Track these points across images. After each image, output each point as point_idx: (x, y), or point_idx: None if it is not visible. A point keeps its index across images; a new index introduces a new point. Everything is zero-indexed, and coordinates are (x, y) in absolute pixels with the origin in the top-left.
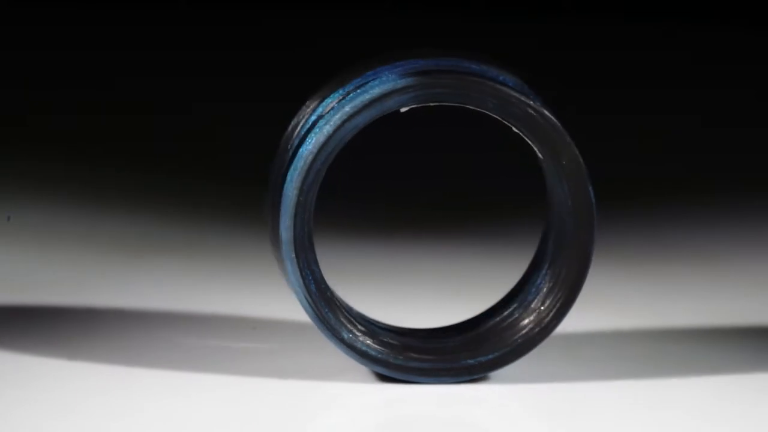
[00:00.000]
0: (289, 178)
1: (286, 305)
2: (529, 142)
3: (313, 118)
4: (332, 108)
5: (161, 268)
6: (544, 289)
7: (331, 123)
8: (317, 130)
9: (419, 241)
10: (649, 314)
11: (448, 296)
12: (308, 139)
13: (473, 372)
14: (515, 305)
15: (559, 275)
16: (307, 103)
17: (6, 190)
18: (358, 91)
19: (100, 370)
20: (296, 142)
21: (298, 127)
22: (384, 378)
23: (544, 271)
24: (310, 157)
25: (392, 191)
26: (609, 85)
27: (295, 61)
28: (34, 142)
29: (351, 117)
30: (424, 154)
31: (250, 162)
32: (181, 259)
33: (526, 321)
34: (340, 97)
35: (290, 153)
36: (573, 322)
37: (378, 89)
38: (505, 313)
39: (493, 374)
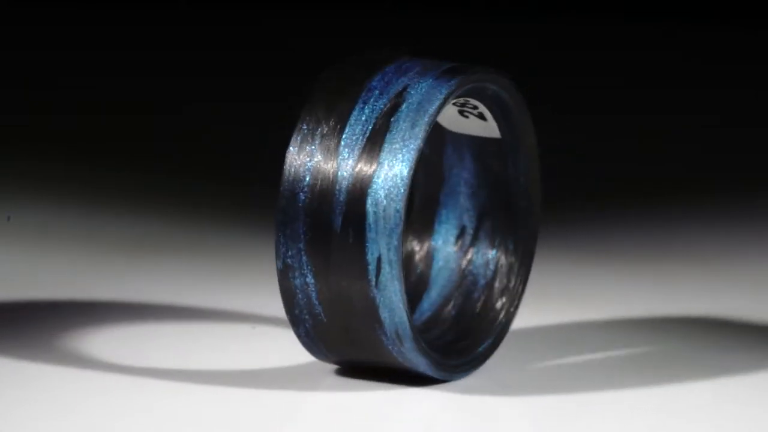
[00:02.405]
0: (382, 232)
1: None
2: (496, 122)
3: (353, 145)
4: (386, 132)
5: (161, 268)
6: (503, 269)
7: (410, 152)
8: (391, 163)
9: None
10: (649, 314)
11: None
12: (379, 181)
13: (480, 361)
14: (479, 290)
15: (516, 253)
16: (303, 129)
17: (6, 190)
18: (407, 110)
19: (100, 370)
20: (347, 182)
21: (337, 162)
22: (384, 379)
23: (493, 252)
24: (402, 200)
25: None
26: (609, 85)
27: (295, 61)
28: (34, 142)
29: (423, 137)
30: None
31: (250, 162)
32: (181, 258)
33: (500, 303)
34: (381, 118)
35: (344, 194)
36: (573, 321)
37: (435, 102)
38: (475, 297)
39: (489, 373)
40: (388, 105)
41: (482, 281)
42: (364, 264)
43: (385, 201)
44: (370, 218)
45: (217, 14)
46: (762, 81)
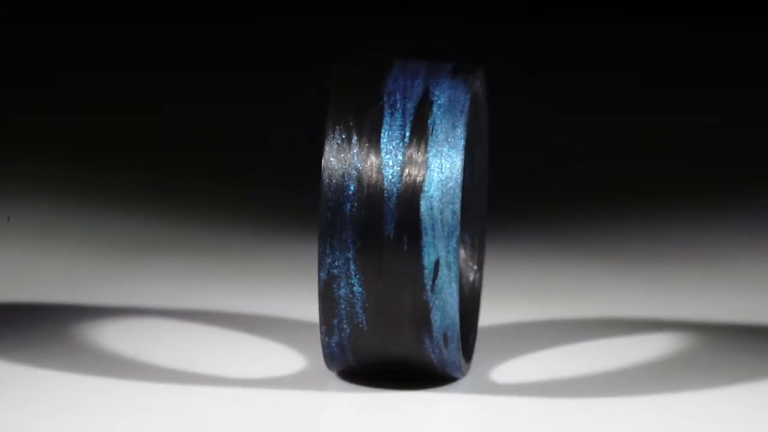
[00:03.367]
0: (440, 235)
1: (286, 305)
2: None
3: (387, 151)
4: (427, 140)
5: (161, 268)
6: (461, 263)
7: (458, 153)
8: (441, 166)
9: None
10: (648, 314)
11: None
12: (431, 185)
13: (470, 354)
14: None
15: (473, 246)
16: (333, 140)
17: (6, 190)
18: (440, 111)
19: (100, 371)
20: (396, 188)
21: (379, 172)
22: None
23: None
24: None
25: None
26: (609, 85)
27: (295, 61)
28: (34, 142)
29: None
30: None
31: (250, 162)
32: (181, 259)
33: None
34: (417, 121)
35: (394, 201)
36: (572, 321)
37: (464, 101)
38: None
39: (490, 374)
40: (418, 108)
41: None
42: (420, 268)
43: (440, 204)
44: (426, 222)
45: (217, 14)
46: (762, 81)
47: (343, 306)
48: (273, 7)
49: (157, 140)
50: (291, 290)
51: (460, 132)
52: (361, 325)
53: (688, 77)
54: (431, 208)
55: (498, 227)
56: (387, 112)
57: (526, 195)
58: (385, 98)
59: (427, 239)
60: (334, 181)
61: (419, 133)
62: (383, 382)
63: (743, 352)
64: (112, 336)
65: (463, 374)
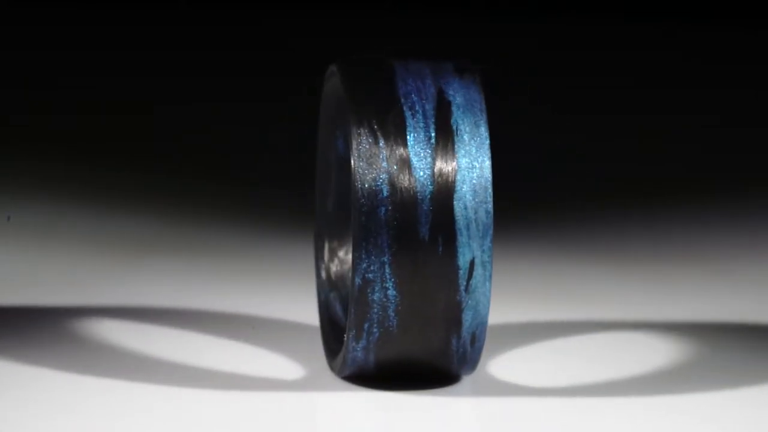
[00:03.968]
0: (475, 235)
1: (286, 305)
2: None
3: (418, 154)
4: (454, 138)
5: (161, 268)
6: None
7: (485, 152)
8: (471, 166)
9: None
10: (649, 314)
11: None
12: (463, 185)
13: None
14: None
15: None
16: (359, 142)
17: (6, 190)
18: (459, 111)
19: (99, 371)
20: (429, 189)
21: (416, 173)
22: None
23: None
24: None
25: None
26: (609, 85)
27: (295, 60)
28: (34, 142)
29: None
30: None
31: (250, 162)
32: (181, 258)
33: None
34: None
35: (428, 202)
36: (572, 321)
37: (479, 99)
38: None
39: (490, 374)
40: (438, 108)
41: None
42: (455, 269)
43: (474, 204)
44: (460, 223)
45: (217, 14)
46: (762, 81)
47: (375, 310)
48: (273, 8)
49: (157, 140)
50: (291, 290)
51: (484, 130)
52: (391, 329)
53: (688, 77)
54: (465, 208)
55: (498, 227)
56: (408, 114)
57: (526, 195)
58: (402, 100)
59: (462, 239)
60: (366, 185)
61: (444, 134)
62: (384, 382)
63: (743, 352)
64: (111, 336)
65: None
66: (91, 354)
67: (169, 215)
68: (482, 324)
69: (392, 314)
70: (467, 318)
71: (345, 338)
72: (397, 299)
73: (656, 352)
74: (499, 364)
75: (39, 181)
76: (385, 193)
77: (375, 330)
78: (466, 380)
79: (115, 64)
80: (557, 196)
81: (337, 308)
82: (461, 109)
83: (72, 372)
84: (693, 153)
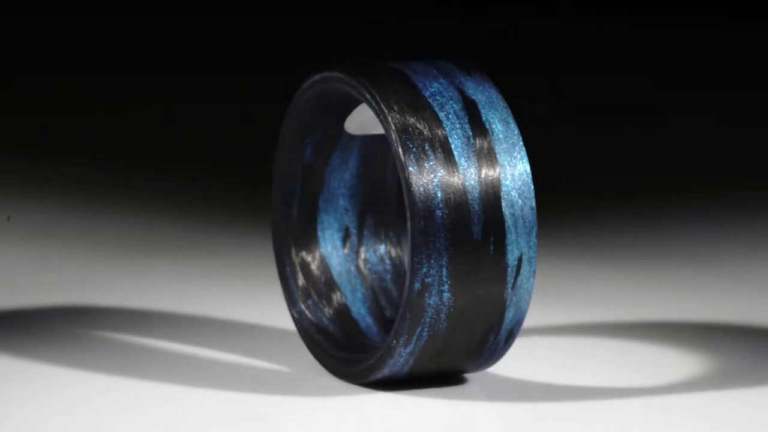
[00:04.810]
0: (522, 232)
1: (285, 305)
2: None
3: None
4: (486, 130)
5: (161, 268)
6: (397, 260)
7: (521, 148)
8: (512, 163)
9: None
10: (649, 314)
11: None
12: (507, 183)
13: None
14: (391, 285)
15: (401, 243)
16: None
17: (6, 190)
18: (486, 110)
19: (99, 371)
20: (477, 190)
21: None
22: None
23: (383, 246)
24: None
25: None
26: (609, 85)
27: (295, 60)
28: (34, 143)
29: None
30: None
31: (249, 162)
32: (181, 259)
33: None
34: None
35: (478, 203)
36: (572, 321)
37: (500, 96)
38: (395, 293)
39: (491, 374)
40: (465, 108)
41: (387, 276)
42: (504, 267)
43: (519, 201)
44: (509, 221)
45: (217, 14)
46: (762, 81)
47: (429, 314)
48: (272, 9)
49: (156, 140)
50: None
51: (514, 126)
52: (439, 332)
53: (687, 77)
54: (512, 206)
55: None
56: (441, 115)
57: None
58: (431, 102)
59: (510, 237)
60: (422, 190)
61: (480, 133)
62: (385, 384)
63: (743, 353)
64: (111, 335)
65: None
66: (90, 354)
67: (168, 215)
68: (521, 321)
69: (443, 317)
70: (509, 315)
71: (392, 344)
72: (450, 302)
73: (654, 352)
74: (499, 365)
75: (39, 181)
76: (440, 197)
77: (425, 334)
78: (466, 381)
79: (115, 64)
80: (557, 196)
81: (321, 316)
82: (486, 107)
83: (71, 372)
84: (693, 153)
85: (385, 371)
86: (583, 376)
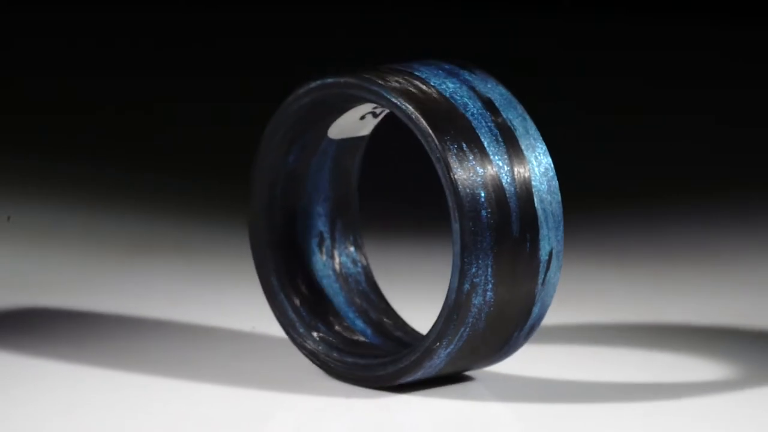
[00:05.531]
0: (552, 227)
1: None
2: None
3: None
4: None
5: (160, 268)
6: (364, 261)
7: (542, 143)
8: (537, 160)
9: (422, 242)
10: (649, 314)
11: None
12: (536, 179)
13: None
14: (370, 288)
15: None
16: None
17: (6, 190)
18: (503, 107)
19: (98, 370)
20: (513, 187)
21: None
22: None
23: (353, 249)
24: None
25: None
26: (609, 85)
27: (295, 60)
28: (34, 142)
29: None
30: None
31: (249, 162)
32: (180, 259)
33: None
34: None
35: (514, 200)
36: (572, 321)
37: (510, 93)
38: (375, 295)
39: (493, 375)
40: (486, 106)
41: (361, 278)
42: (537, 263)
43: (548, 196)
44: (541, 217)
45: (216, 14)
46: (762, 81)
47: (473, 314)
48: (272, 9)
49: (156, 140)
50: None
51: (531, 122)
52: (478, 331)
53: (687, 77)
54: (542, 201)
55: None
56: (468, 114)
57: None
58: (453, 101)
59: (543, 232)
60: (468, 191)
61: (505, 131)
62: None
63: (744, 353)
64: (110, 335)
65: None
66: (90, 354)
67: (167, 215)
68: (543, 316)
69: (483, 317)
70: (535, 310)
71: (434, 345)
72: (491, 301)
73: (654, 353)
74: (500, 365)
75: (39, 181)
76: (483, 196)
77: (466, 334)
78: (466, 382)
79: (115, 64)
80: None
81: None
82: (503, 105)
83: (71, 372)
84: (693, 153)
85: (418, 374)
86: (582, 375)
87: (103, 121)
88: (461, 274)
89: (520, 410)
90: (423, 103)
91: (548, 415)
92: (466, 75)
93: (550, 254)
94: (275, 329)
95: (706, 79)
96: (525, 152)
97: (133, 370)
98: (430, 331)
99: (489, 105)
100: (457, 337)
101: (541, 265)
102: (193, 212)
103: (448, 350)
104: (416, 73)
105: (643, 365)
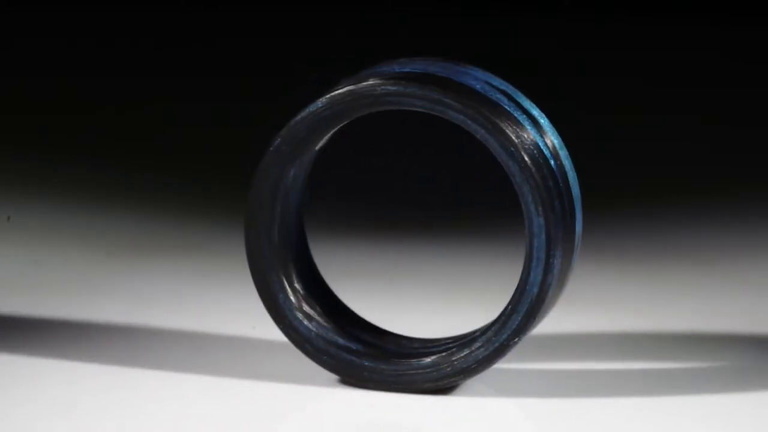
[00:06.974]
0: (577, 202)
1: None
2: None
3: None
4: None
5: (161, 268)
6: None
7: (556, 134)
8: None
9: (421, 241)
10: (649, 315)
11: (447, 300)
12: (566, 162)
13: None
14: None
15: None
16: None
17: (6, 190)
18: (516, 96)
19: (98, 370)
20: (555, 165)
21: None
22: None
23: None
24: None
25: (391, 191)
26: (609, 85)
27: (294, 60)
28: (34, 143)
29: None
30: (424, 154)
31: (249, 162)
32: (181, 258)
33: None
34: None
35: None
36: (572, 322)
37: (513, 86)
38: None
39: (493, 375)
40: (506, 97)
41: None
42: (574, 238)
43: (573, 176)
44: (576, 201)
45: (215, 13)
46: (762, 81)
47: (548, 296)
48: (271, 9)
49: (156, 140)
50: None
51: (538, 112)
52: (537, 322)
53: (687, 77)
54: (574, 185)
55: (498, 228)
56: (503, 103)
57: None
58: (483, 92)
59: (578, 216)
60: (548, 182)
61: (532, 121)
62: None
63: (744, 353)
64: (110, 335)
65: None
66: (90, 354)
67: (168, 215)
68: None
69: (548, 299)
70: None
71: (510, 342)
72: (551, 290)
73: (654, 353)
74: (499, 365)
75: (39, 181)
76: (554, 190)
77: (537, 319)
78: (466, 382)
79: (115, 63)
80: None
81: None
82: (518, 96)
83: (71, 372)
84: (693, 153)
85: (474, 373)
86: (582, 375)
87: (103, 121)
88: (546, 268)
89: (523, 405)
90: (460, 95)
91: (550, 411)
92: (471, 70)
93: (580, 234)
94: (276, 329)
95: (706, 79)
96: (553, 140)
97: (133, 370)
98: (500, 326)
99: (507, 95)
100: (534, 322)
101: (576, 240)
102: (193, 212)
103: (516, 340)
104: (433, 71)
105: (642, 365)
